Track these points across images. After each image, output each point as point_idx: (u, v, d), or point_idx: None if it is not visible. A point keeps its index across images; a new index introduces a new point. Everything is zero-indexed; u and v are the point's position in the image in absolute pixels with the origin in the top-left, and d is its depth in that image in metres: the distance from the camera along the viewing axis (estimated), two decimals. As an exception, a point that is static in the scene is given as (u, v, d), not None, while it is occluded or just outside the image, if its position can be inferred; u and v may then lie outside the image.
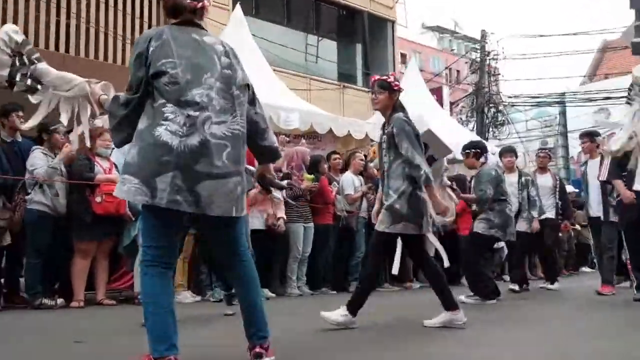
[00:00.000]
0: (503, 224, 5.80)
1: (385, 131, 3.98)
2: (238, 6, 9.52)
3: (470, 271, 5.96)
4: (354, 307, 3.86)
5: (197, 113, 2.35)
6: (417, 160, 3.80)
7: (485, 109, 19.59)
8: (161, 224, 2.40)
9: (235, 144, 2.43)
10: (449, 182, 5.84)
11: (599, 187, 6.47)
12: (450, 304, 3.88)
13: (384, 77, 4.02)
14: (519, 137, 20.46)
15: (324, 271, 7.14)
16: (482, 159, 6.03)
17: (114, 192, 2.46)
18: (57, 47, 9.33)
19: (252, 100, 2.65)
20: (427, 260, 4.04)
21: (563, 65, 42.53)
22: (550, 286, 7.28)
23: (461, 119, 20.83)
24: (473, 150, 6.04)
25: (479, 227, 5.85)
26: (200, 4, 2.54)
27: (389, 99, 3.98)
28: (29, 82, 3.22)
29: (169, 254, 2.43)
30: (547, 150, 8.04)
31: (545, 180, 7.58)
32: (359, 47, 16.09)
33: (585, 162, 7.09)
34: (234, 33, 8.73)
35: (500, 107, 20.18)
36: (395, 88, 3.99)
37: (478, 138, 13.38)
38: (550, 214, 7.41)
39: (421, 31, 39.23)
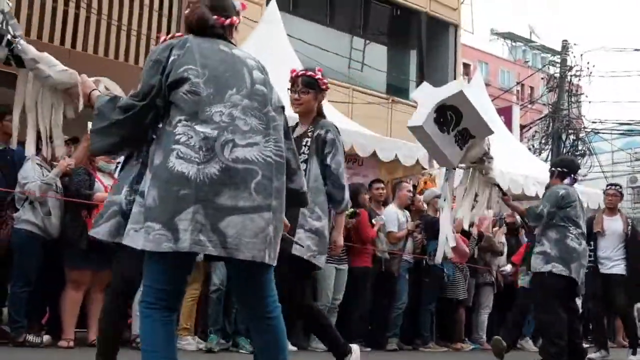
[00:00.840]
0: (563, 256, 5.54)
1: (311, 134, 3.91)
2: (273, 1, 9.68)
3: (546, 326, 5.74)
4: None
5: (215, 134, 2.33)
6: (344, 180, 3.89)
7: (563, 136, 19.42)
8: (174, 267, 2.41)
9: (268, 173, 2.41)
10: (496, 180, 5.78)
11: None
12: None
13: (310, 73, 3.99)
14: (603, 172, 20.12)
15: (358, 323, 7.09)
16: (567, 181, 5.89)
17: (135, 244, 2.39)
18: (62, 41, 9.59)
19: (287, 132, 2.67)
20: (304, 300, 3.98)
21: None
22: (632, 357, 7.11)
23: (533, 145, 20.64)
24: (559, 169, 5.96)
25: (536, 263, 5.71)
26: (228, 20, 2.59)
27: (314, 100, 3.97)
28: (6, 51, 3.31)
29: (175, 297, 2.45)
30: (617, 187, 7.75)
31: (613, 225, 7.36)
32: (413, 54, 16.14)
33: None
34: (267, 32, 8.90)
35: (582, 134, 19.96)
36: (323, 87, 4.00)
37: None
38: (619, 268, 7.21)
39: (490, 38, 39.21)
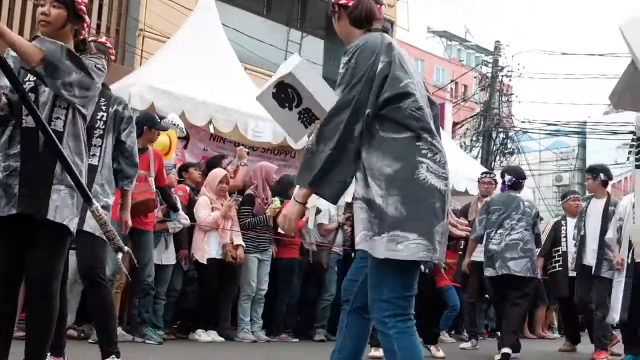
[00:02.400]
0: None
1: (105, 108, 3.83)
2: (208, -11, 9.57)
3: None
4: None
5: (440, 146, 2.45)
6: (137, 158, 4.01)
7: (494, 134, 19.86)
8: (413, 274, 2.45)
9: None
10: None
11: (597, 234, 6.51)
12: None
13: (102, 40, 4.01)
14: (530, 170, 20.77)
15: (286, 315, 7.14)
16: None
17: (375, 252, 2.36)
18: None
19: None
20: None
21: (586, 90, 43.15)
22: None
23: (464, 142, 21.09)
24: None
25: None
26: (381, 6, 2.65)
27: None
28: None
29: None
30: (492, 175, 7.77)
31: None
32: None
33: (588, 199, 7.06)
34: (201, 20, 8.80)
35: (511, 133, 20.47)
36: (112, 57, 4.02)
37: (480, 166, 13.59)
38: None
39: (426, 36, 39.79)
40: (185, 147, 7.53)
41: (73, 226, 2.79)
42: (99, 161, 3.77)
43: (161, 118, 6.19)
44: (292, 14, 15.22)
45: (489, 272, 6.23)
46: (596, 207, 6.68)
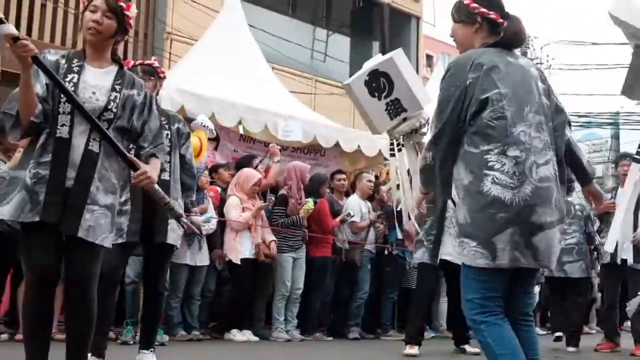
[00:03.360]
0: None
1: (168, 126, 4.02)
2: (234, -10, 9.62)
3: None
4: None
5: (523, 157, 2.51)
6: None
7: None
8: (490, 279, 2.56)
9: (557, 186, 2.60)
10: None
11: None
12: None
13: (149, 62, 4.13)
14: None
15: (320, 313, 7.15)
16: None
17: (459, 259, 2.68)
18: (29, 32, 9.46)
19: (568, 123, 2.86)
20: None
21: (618, 80, 42.25)
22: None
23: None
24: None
25: None
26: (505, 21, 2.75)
27: (154, 88, 4.02)
28: None
29: (498, 302, 2.58)
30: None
31: None
32: (376, 46, 16.17)
33: (615, 189, 6.91)
34: (227, 21, 8.86)
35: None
36: (162, 75, 4.15)
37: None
38: None
39: (452, 30, 39.51)
40: (215, 148, 7.57)
41: (108, 243, 2.85)
42: (169, 176, 3.94)
43: (191, 120, 6.24)
44: (318, 12, 15.21)
45: (546, 272, 6.62)
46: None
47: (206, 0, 11.03)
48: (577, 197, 7.40)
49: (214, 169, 6.96)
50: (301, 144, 8.30)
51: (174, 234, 3.96)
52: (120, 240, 3.68)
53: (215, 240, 6.40)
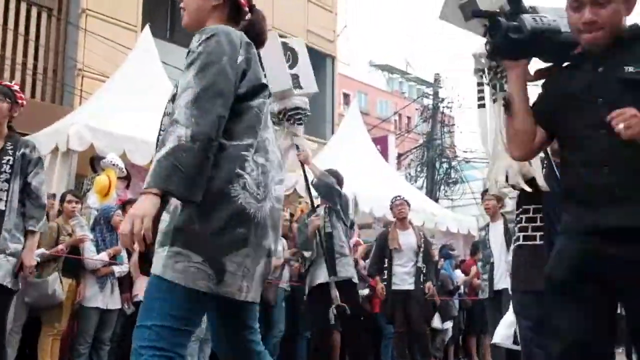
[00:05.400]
0: None
1: (12, 152, 3.83)
2: (147, 27, 9.59)
3: None
4: None
5: (268, 166, 2.13)
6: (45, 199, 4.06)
7: (437, 164, 20.23)
8: (200, 308, 2.08)
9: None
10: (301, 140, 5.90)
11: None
12: None
13: (7, 84, 4.04)
14: (474, 199, 21.17)
15: (234, 353, 7.04)
16: None
17: (154, 270, 2.03)
18: None
19: None
20: None
21: (527, 119, 44.28)
22: None
23: (409, 173, 21.40)
24: None
25: None
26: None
27: (8, 112, 3.92)
28: None
29: (188, 339, 2.06)
30: (402, 197, 7.25)
31: (407, 239, 6.99)
32: (292, 84, 16.45)
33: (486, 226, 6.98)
34: (140, 58, 8.80)
35: (454, 163, 20.87)
36: (20, 102, 4.00)
37: (426, 197, 13.83)
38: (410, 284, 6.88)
39: (369, 69, 40.54)
40: (127, 186, 7.44)
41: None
42: (5, 206, 3.73)
43: (101, 158, 6.13)
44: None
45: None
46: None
47: (118, 36, 10.93)
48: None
49: (128, 203, 6.82)
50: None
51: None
52: None
53: (125, 283, 6.23)
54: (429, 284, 6.99)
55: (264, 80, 2.18)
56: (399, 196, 7.22)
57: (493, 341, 5.26)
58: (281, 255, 7.43)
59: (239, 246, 2.01)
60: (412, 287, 6.75)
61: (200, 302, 2.02)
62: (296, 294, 7.60)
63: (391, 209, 7.25)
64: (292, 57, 5.22)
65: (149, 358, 1.94)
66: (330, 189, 5.89)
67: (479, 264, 7.26)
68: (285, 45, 5.25)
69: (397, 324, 6.94)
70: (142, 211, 1.87)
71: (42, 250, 5.20)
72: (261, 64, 2.23)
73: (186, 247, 1.97)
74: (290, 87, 5.07)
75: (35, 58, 11.10)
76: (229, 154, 2.04)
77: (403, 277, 6.80)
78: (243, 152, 2.05)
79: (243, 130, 2.08)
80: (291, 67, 5.23)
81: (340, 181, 6.12)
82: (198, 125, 1.93)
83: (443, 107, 20.65)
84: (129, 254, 6.21)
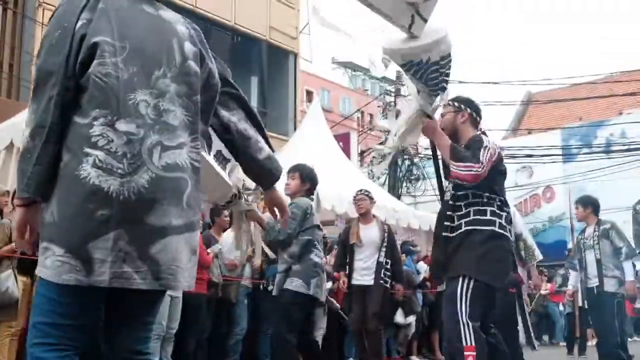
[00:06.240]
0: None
1: None
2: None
3: None
4: None
5: (141, 134, 1.90)
6: None
7: (399, 161, 20.32)
8: (79, 300, 1.92)
9: (197, 181, 2.02)
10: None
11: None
12: None
13: None
14: (436, 195, 21.32)
15: (196, 352, 7.00)
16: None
17: (37, 271, 1.94)
18: None
19: (239, 99, 2.37)
20: None
21: (488, 117, 45.07)
22: None
23: (372, 170, 21.44)
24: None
25: None
26: None
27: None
28: None
29: (79, 332, 1.94)
30: (365, 191, 7.10)
31: (370, 233, 6.82)
32: (254, 81, 16.37)
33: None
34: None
35: (416, 160, 21.00)
36: None
37: (388, 194, 13.89)
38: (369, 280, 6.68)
39: (332, 67, 40.59)
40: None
41: None
42: None
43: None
44: (195, 46, 15.22)
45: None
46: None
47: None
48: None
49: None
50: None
51: None
52: None
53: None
54: (399, 286, 7.04)
55: (102, 37, 1.91)
56: (361, 190, 7.15)
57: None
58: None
59: (102, 230, 1.84)
60: (371, 282, 6.67)
61: (81, 295, 1.88)
62: (257, 291, 7.59)
63: (353, 204, 7.21)
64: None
65: (40, 353, 1.88)
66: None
67: None
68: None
69: (352, 321, 6.91)
70: (16, 224, 1.95)
71: (-6, 247, 5.08)
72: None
73: (49, 240, 1.87)
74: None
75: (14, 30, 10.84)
76: (79, 132, 1.87)
77: (362, 272, 6.76)
78: (91, 126, 1.86)
79: (87, 102, 1.89)
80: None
81: (313, 182, 5.67)
82: (33, 120, 1.88)
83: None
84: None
